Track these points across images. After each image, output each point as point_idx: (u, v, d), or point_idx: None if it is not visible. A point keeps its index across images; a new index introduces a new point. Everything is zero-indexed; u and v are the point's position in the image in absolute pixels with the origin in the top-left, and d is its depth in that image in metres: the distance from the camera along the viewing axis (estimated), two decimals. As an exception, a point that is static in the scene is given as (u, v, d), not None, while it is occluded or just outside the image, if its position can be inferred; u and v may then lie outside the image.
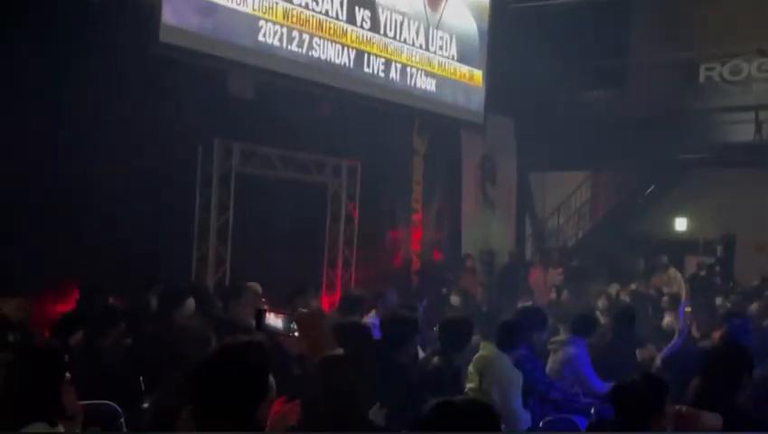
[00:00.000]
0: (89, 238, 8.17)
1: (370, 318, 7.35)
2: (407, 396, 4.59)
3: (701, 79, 15.22)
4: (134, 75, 8.38)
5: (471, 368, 5.85)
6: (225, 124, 9.76)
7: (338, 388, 2.64)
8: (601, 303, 10.47)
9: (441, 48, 12.04)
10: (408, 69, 11.42)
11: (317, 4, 9.91)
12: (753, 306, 9.21)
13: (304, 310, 2.81)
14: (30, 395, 3.32)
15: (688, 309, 10.04)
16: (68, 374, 3.58)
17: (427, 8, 11.80)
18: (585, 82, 15.52)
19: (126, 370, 5.35)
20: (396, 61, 11.19)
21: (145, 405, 4.86)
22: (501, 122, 14.98)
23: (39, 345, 3.65)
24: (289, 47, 9.61)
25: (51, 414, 3.33)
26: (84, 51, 7.85)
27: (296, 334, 2.77)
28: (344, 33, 10.35)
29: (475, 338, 6.20)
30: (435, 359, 5.69)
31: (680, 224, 16.72)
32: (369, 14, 10.70)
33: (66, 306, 7.45)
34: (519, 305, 9.27)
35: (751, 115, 14.44)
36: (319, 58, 10.01)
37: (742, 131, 14.50)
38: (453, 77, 12.32)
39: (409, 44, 11.43)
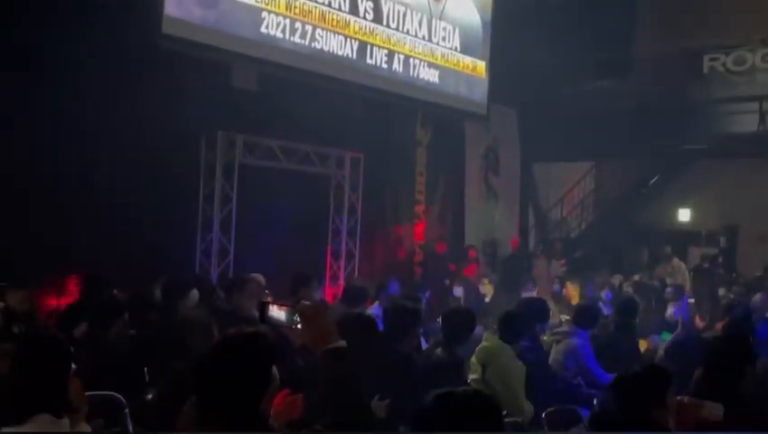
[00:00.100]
0: (93, 229, 8.20)
1: (373, 309, 7.37)
2: (410, 387, 4.60)
3: (705, 69, 15.16)
4: (137, 67, 8.38)
5: (474, 359, 5.87)
6: (228, 115, 9.76)
7: (340, 380, 2.65)
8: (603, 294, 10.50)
9: (444, 39, 12.02)
10: (411, 60, 11.41)
11: (320, -5, 9.91)
12: (756, 297, 9.19)
13: (307, 302, 2.80)
14: (35, 387, 3.32)
15: (691, 300, 10.06)
16: (73, 366, 3.59)
17: (430, -1, 11.79)
18: (589, 73, 15.45)
19: (130, 361, 5.37)
20: (399, 53, 11.18)
21: (149, 396, 4.89)
22: (505, 113, 14.98)
23: (44, 337, 3.65)
24: (292, 38, 9.60)
25: (57, 406, 3.34)
26: (87, 42, 7.84)
27: (299, 326, 2.78)
28: (347, 24, 10.34)
29: (478, 329, 6.21)
30: (438, 350, 5.71)
31: (684, 215, 16.70)
32: (372, 6, 10.68)
33: (69, 298, 7.48)
34: (523, 296, 9.29)
35: (755, 105, 14.40)
36: (322, 49, 10.01)
37: (746, 121, 14.47)
38: (456, 68, 12.30)
39: (412, 35, 11.41)
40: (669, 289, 10.57)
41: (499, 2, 13.00)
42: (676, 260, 13.61)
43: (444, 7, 12.00)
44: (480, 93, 12.89)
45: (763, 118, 14.24)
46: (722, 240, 16.25)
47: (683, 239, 15.86)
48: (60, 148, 8.06)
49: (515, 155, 15.99)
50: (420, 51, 11.55)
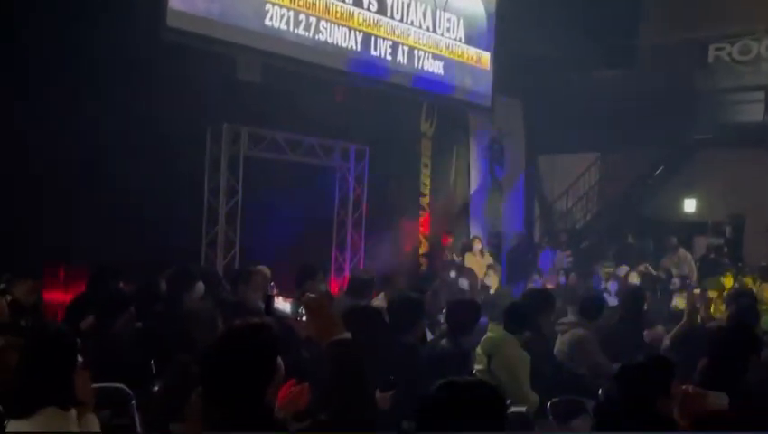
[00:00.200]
0: (99, 222, 8.21)
1: (379, 301, 7.37)
2: (415, 378, 4.61)
3: (710, 59, 15.15)
4: (142, 60, 8.39)
5: (479, 350, 5.87)
6: (233, 108, 9.77)
7: (345, 371, 2.66)
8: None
9: (448, 30, 12.00)
10: (416, 51, 11.40)
11: (324, -13, 9.90)
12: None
13: (312, 295, 2.81)
14: (42, 379, 3.33)
15: (697, 291, 10.04)
16: (80, 358, 3.61)
17: (434, -10, 11.76)
18: (594, 63, 15.42)
19: (137, 353, 5.38)
20: (403, 44, 11.16)
21: (156, 388, 4.91)
22: (510, 104, 14.95)
23: (51, 330, 3.66)
24: (296, 31, 9.61)
25: (64, 399, 3.35)
26: (92, 35, 7.86)
27: (304, 318, 2.79)
28: (351, 16, 10.33)
29: (483, 320, 6.22)
30: (443, 341, 5.72)
31: (689, 205, 16.65)
32: (376, -3, 10.68)
33: (75, 291, 7.50)
34: (528, 286, 9.29)
35: (760, 95, 14.39)
36: (326, 41, 10.00)
37: (751, 111, 14.45)
38: (460, 59, 12.29)
39: (416, 27, 11.39)
40: (674, 280, 10.57)
41: (503, -7, 12.99)
42: (682, 251, 13.60)
43: (448, -2, 11.99)
44: (484, 84, 12.87)
45: (768, 108, 14.22)
46: (728, 230, 16.20)
47: (689, 229, 15.82)
48: (66, 141, 8.08)
49: (520, 147, 15.98)
50: (425, 42, 11.53)
